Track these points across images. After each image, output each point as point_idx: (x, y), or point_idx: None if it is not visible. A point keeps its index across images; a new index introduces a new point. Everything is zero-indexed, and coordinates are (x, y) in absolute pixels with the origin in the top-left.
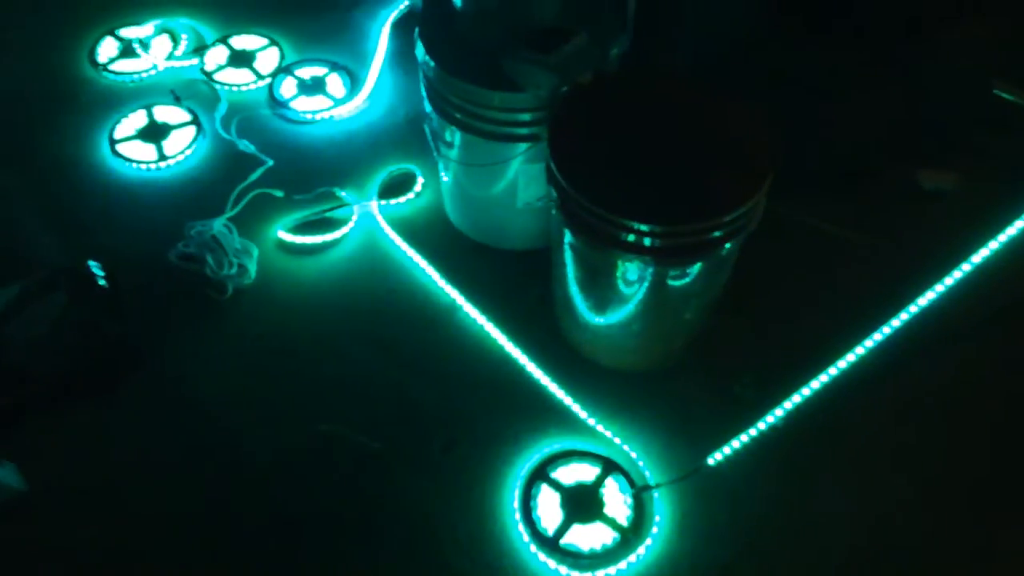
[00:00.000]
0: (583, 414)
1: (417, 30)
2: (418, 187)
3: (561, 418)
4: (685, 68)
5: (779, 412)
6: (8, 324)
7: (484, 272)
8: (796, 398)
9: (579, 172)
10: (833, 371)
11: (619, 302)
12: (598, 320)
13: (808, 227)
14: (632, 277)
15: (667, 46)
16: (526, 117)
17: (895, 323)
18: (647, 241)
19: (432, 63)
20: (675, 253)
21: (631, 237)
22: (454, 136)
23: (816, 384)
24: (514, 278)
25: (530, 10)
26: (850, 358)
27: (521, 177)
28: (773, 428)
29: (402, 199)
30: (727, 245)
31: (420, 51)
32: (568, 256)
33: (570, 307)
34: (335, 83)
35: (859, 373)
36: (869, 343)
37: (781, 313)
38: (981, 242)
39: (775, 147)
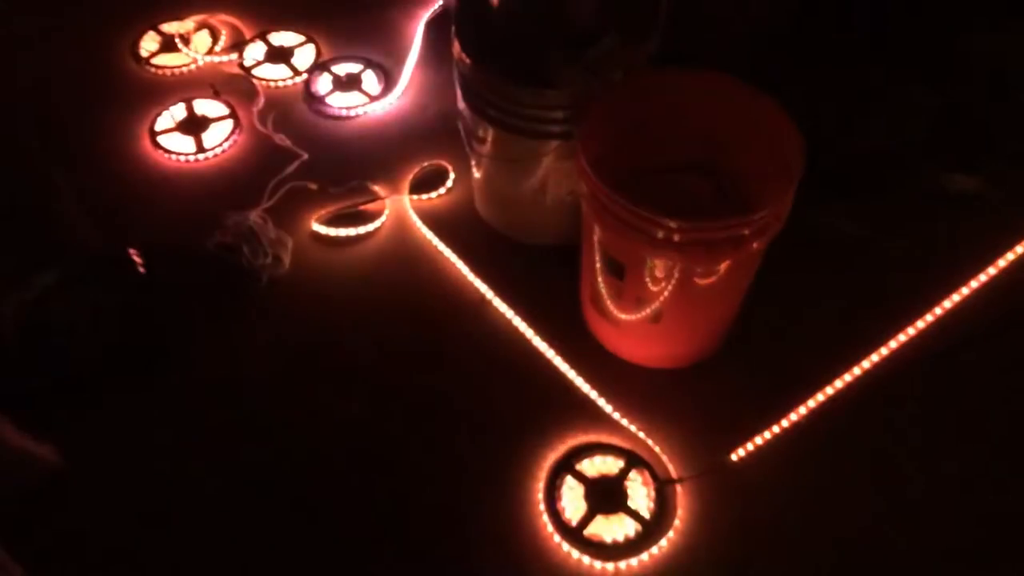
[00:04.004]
0: (608, 408)
1: (453, 28)
2: (449, 182)
3: (587, 412)
4: (715, 66)
5: (802, 410)
6: (48, 307)
7: (513, 267)
8: (819, 396)
9: (610, 175)
10: (856, 371)
11: (646, 298)
12: (625, 316)
13: (831, 227)
14: (659, 274)
15: (698, 44)
16: (558, 114)
17: (920, 324)
18: (676, 237)
19: (467, 59)
20: (702, 251)
21: (659, 234)
22: (487, 132)
23: (839, 383)
24: (543, 273)
25: (564, 10)
26: (873, 358)
27: (552, 173)
28: (796, 425)
29: (433, 194)
30: (754, 244)
31: (456, 47)
32: (596, 251)
33: (597, 300)
34: (370, 80)
35: (882, 374)
36: (893, 344)
37: (805, 312)
38: (1006, 246)
39: (804, 148)
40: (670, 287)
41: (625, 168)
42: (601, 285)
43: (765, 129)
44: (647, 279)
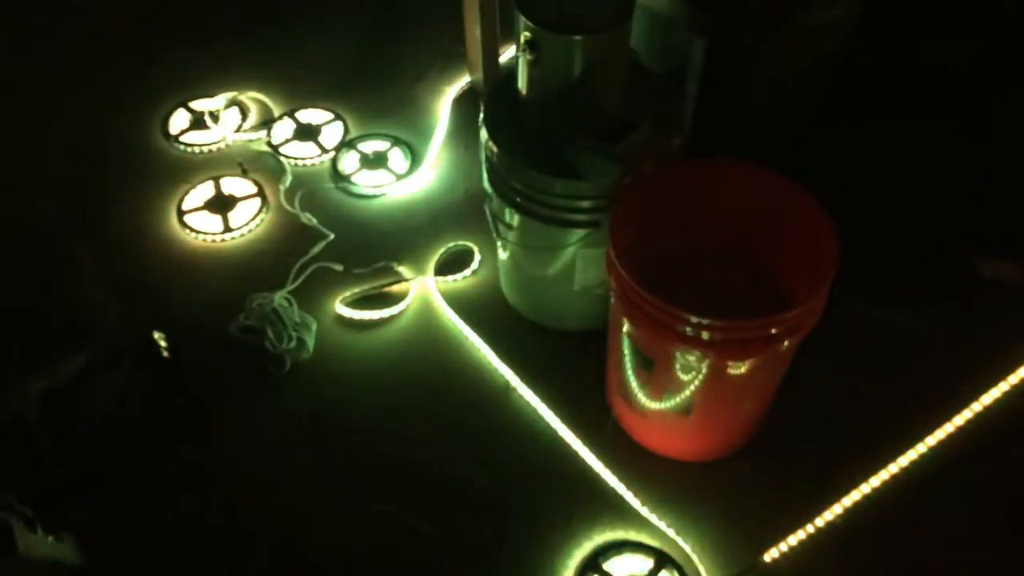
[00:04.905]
0: (637, 503)
1: (481, 115)
2: (475, 264)
3: (614, 506)
4: (745, 153)
5: (838, 509)
6: (74, 396)
7: (539, 353)
8: (855, 494)
9: (639, 265)
10: (893, 468)
11: (675, 391)
12: (653, 407)
13: (864, 313)
14: (690, 368)
15: (726, 132)
16: (587, 204)
17: (957, 420)
18: (706, 335)
19: (495, 148)
20: (734, 348)
21: (689, 330)
22: (513, 218)
23: (876, 481)
24: (569, 359)
25: (593, 99)
26: (911, 455)
27: (579, 260)
28: (831, 525)
29: (459, 276)
30: (787, 341)
31: (483, 135)
32: (625, 343)
33: (625, 391)
34: (396, 158)
35: (920, 470)
36: (931, 440)
37: (839, 404)
38: None
39: (838, 244)
40: (700, 380)
41: (654, 255)
42: (629, 377)
43: (798, 221)
44: (676, 372)
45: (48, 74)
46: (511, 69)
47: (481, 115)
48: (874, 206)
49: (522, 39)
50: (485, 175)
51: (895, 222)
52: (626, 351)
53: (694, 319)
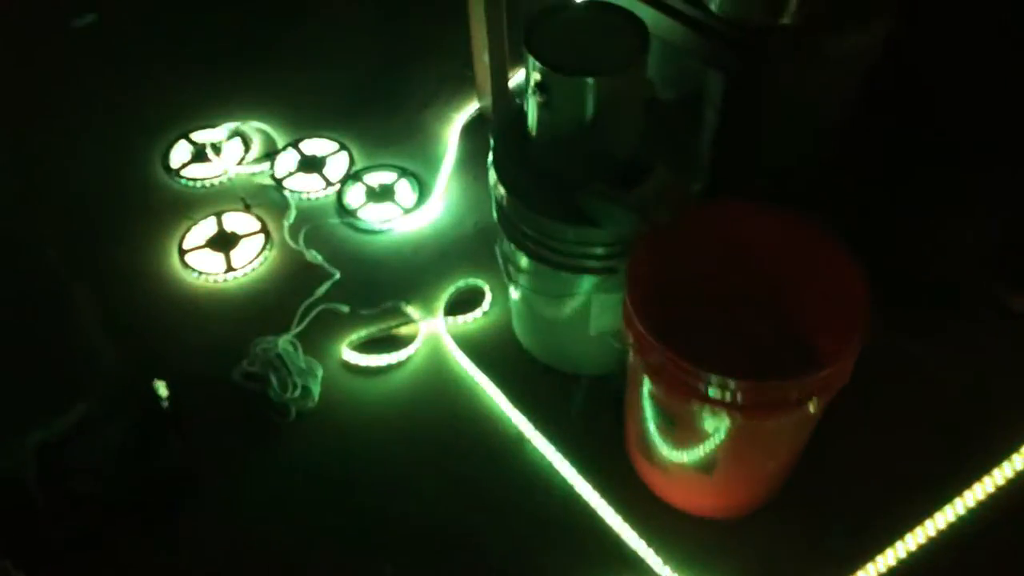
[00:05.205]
0: (658, 561)
1: (491, 156)
2: (486, 304)
3: (634, 564)
4: (767, 194)
5: (873, 568)
6: (71, 450)
7: (554, 398)
8: (892, 554)
9: (659, 317)
10: (934, 524)
11: (698, 448)
12: (675, 462)
13: (896, 351)
14: (713, 426)
15: (747, 167)
16: (601, 251)
17: (998, 473)
18: (730, 395)
19: (504, 191)
20: (760, 408)
21: (713, 390)
22: (525, 262)
23: (915, 538)
24: (585, 406)
25: (607, 141)
26: (949, 510)
27: (595, 306)
28: None
29: (470, 317)
30: (817, 401)
31: (492, 176)
32: (644, 398)
33: (645, 446)
34: (404, 190)
35: (963, 526)
36: (974, 493)
37: (871, 454)
38: None
39: (868, 296)
40: (724, 438)
41: (674, 302)
42: (648, 431)
43: (827, 268)
44: (699, 429)
45: (43, 103)
46: (520, 103)
47: (490, 156)
48: (904, 245)
49: (532, 80)
50: (495, 214)
51: (926, 261)
52: (645, 406)
53: (718, 380)
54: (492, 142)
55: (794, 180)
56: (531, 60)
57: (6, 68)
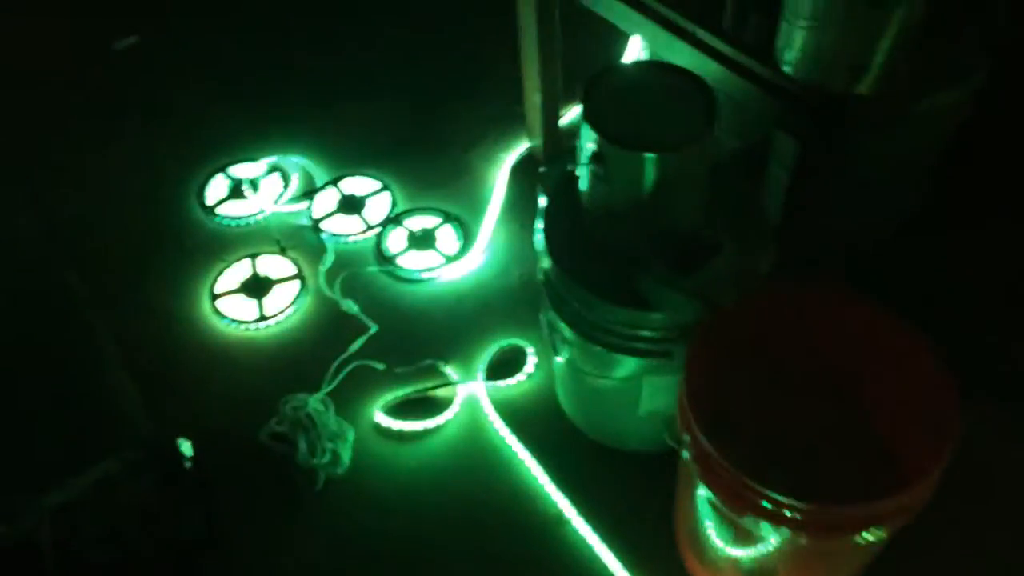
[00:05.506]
0: None
1: (540, 222)
2: (529, 367)
3: None
4: (840, 272)
5: None
6: (87, 513)
7: (597, 477)
8: None
9: (719, 422)
10: None
11: (756, 557)
12: (730, 567)
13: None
14: (774, 538)
15: (818, 245)
16: (657, 335)
17: None
18: (793, 514)
19: (553, 263)
20: (827, 529)
21: (773, 507)
22: (572, 335)
23: None
24: (632, 486)
25: (667, 218)
26: None
27: (646, 387)
28: None
29: (511, 380)
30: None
31: (539, 243)
32: (698, 498)
33: (696, 544)
34: (446, 236)
35: None
36: None
37: (962, 549)
38: None
39: (958, 406)
40: (786, 552)
41: (736, 395)
42: (702, 532)
43: (911, 369)
44: (757, 540)
45: (81, 131)
46: (573, 152)
47: (538, 221)
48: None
49: (588, 149)
50: (541, 281)
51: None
52: (699, 505)
53: (782, 499)
54: (540, 205)
55: (868, 254)
56: (587, 128)
57: (53, 91)
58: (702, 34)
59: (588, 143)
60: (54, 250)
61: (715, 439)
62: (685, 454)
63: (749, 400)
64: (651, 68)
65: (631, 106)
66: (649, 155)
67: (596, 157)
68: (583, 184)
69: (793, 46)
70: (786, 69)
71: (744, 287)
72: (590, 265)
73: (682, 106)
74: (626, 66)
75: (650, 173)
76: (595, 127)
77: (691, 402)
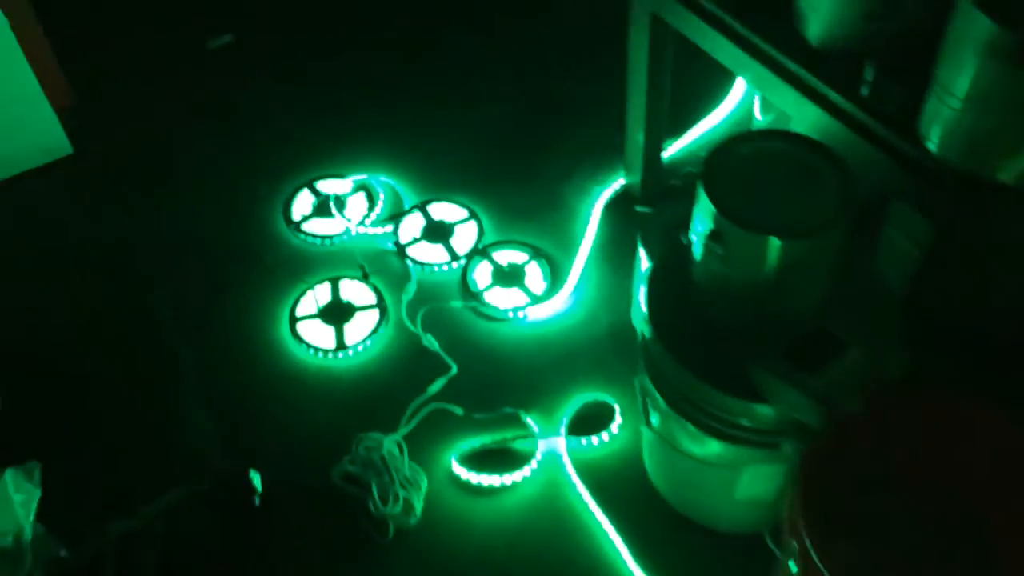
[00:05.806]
0: None
1: (643, 289)
2: (615, 427)
3: None
4: (977, 377)
5: None
6: (152, 541)
7: (683, 558)
8: None
9: (840, 546)
10: None
11: None
12: None
13: None
14: None
15: (956, 343)
16: (763, 427)
17: None
18: None
19: (655, 337)
20: None
21: None
22: (667, 408)
23: None
24: (722, 572)
25: (788, 302)
26: None
27: (746, 474)
28: None
29: (595, 439)
30: None
31: (641, 313)
32: None
33: None
34: (534, 274)
35: None
36: None
37: None
38: None
39: None
40: None
41: (859, 542)
42: None
43: None
44: None
45: (167, 140)
46: (680, 209)
47: (641, 289)
48: None
49: (706, 225)
50: (639, 348)
51: None
52: None
53: None
54: (643, 268)
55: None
56: (707, 201)
57: (149, 93)
58: (845, 105)
59: (706, 217)
60: (145, 255)
61: (834, 566)
62: (793, 567)
63: (870, 525)
64: (784, 139)
65: (758, 181)
66: (775, 240)
67: (715, 235)
68: (696, 255)
69: (941, 124)
70: (931, 147)
71: (870, 386)
72: (696, 343)
73: (816, 186)
74: (752, 134)
75: (775, 258)
76: (717, 203)
77: (808, 519)
